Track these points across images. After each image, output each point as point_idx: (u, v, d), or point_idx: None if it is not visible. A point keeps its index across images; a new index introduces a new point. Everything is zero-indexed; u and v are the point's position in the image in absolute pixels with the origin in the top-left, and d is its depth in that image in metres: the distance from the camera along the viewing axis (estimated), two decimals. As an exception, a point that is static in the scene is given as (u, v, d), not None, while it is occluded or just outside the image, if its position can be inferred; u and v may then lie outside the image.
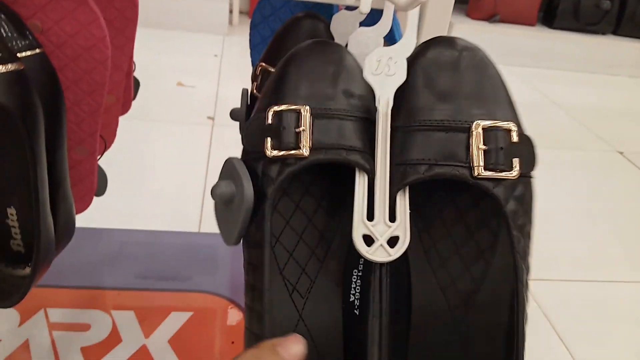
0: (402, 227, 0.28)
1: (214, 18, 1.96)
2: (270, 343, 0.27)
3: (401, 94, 0.30)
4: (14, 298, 0.42)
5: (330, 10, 0.51)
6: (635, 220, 1.21)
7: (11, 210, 0.43)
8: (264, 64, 0.47)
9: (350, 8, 0.46)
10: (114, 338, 0.59)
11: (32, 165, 0.41)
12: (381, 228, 0.28)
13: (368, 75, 0.30)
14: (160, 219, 0.94)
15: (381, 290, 0.28)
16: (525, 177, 0.29)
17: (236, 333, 0.61)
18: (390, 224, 0.28)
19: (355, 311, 0.32)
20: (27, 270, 0.45)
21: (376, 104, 0.30)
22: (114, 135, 0.62)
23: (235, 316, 0.65)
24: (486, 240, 0.32)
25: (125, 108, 0.66)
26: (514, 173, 0.28)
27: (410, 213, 0.31)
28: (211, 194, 0.30)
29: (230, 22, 2.06)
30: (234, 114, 0.49)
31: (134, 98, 0.69)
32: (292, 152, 0.28)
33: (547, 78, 2.08)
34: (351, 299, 0.32)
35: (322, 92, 0.30)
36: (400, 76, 0.30)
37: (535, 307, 0.89)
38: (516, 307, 0.28)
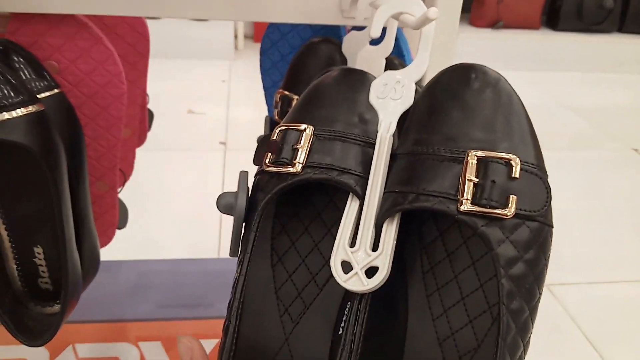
0: (383, 258, 0.26)
1: (220, 44, 1.99)
2: None
3: (405, 120, 0.29)
4: (46, 336, 0.43)
5: (338, 31, 0.52)
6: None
7: (38, 250, 0.44)
8: (282, 91, 0.47)
9: (358, 28, 0.46)
10: (142, 369, 0.60)
11: (57, 203, 0.41)
12: (361, 256, 0.26)
13: (373, 99, 0.30)
14: (180, 247, 0.95)
15: (355, 322, 0.26)
16: (531, 220, 0.25)
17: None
18: (371, 253, 0.26)
19: (339, 333, 0.30)
20: (56, 307, 0.45)
21: (378, 127, 0.29)
22: (132, 167, 0.63)
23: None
24: (495, 293, 0.28)
25: (141, 140, 0.67)
26: (508, 211, 0.24)
27: (417, 250, 0.30)
28: (217, 203, 0.30)
29: (236, 47, 2.09)
30: (260, 142, 0.50)
31: (148, 129, 0.70)
32: (285, 168, 0.29)
33: (555, 80, 2.08)
34: (340, 332, 0.30)
35: (332, 115, 0.30)
36: (407, 100, 0.29)
37: (562, 311, 0.88)
38: None
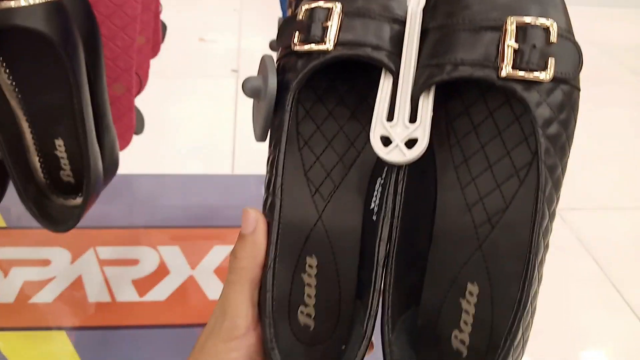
0: (422, 129, 0.26)
1: (231, -28, 1.93)
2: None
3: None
4: (70, 223, 0.44)
5: None
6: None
7: (59, 142, 0.45)
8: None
9: None
10: (162, 271, 0.62)
11: (76, 93, 0.42)
12: (400, 129, 0.27)
13: None
14: (196, 165, 0.96)
15: (395, 192, 0.28)
16: (565, 83, 0.26)
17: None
18: (409, 125, 0.27)
19: (373, 217, 0.31)
20: (78, 200, 0.47)
21: (407, 3, 0.29)
22: (147, 76, 0.64)
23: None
24: (522, 158, 0.29)
25: (155, 51, 0.67)
26: (546, 75, 0.25)
27: (443, 125, 0.31)
28: (242, 87, 0.30)
29: (247, -24, 2.04)
30: (272, 45, 0.50)
31: (162, 41, 0.70)
32: (316, 46, 0.28)
33: (577, 15, 2.01)
34: (371, 207, 0.31)
35: None
36: None
37: (570, 235, 0.89)
38: (533, 219, 0.26)
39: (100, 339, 0.54)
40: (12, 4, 0.38)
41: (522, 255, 0.26)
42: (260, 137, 0.31)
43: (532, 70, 0.25)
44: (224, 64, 1.38)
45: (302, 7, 0.30)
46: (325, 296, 0.31)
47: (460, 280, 0.30)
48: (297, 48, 0.29)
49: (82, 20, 0.45)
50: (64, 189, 0.47)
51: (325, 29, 0.28)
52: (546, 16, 0.26)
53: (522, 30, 0.26)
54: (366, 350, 0.27)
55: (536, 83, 0.25)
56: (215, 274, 0.62)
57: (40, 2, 0.39)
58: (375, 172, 0.32)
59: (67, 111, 0.44)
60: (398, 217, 0.28)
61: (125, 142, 0.56)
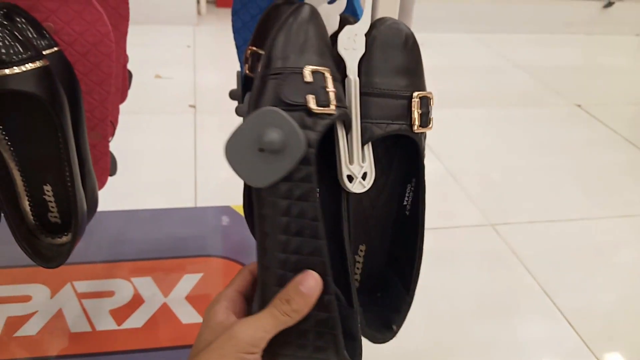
0: (370, 166, 0.38)
1: (183, 9, 2.01)
2: (293, 282, 0.33)
3: (360, 65, 0.39)
4: (60, 259, 0.50)
5: (302, -7, 0.58)
6: (592, 165, 1.32)
7: (47, 187, 0.51)
8: (253, 47, 0.54)
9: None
10: (137, 300, 0.67)
11: (64, 145, 0.48)
12: (357, 168, 0.37)
13: (341, 50, 0.38)
14: (158, 201, 1.01)
15: (348, 208, 0.39)
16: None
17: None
18: (362, 164, 0.38)
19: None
20: (64, 238, 0.52)
21: (347, 73, 0.38)
22: (117, 120, 0.69)
23: (240, 274, 0.73)
24: (387, 165, 0.43)
25: (123, 97, 0.73)
26: (430, 128, 0.40)
27: None
28: (262, 139, 0.32)
29: (199, 12, 2.11)
30: (232, 94, 0.57)
31: (128, 87, 0.76)
32: (327, 109, 0.34)
33: (506, 42, 2.18)
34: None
35: (326, 57, 0.37)
36: (362, 49, 0.39)
37: (505, 247, 0.99)
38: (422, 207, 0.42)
39: (84, 365, 0.59)
40: (7, 71, 0.44)
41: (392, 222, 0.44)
42: (267, 185, 0.33)
43: (425, 127, 0.40)
44: (181, 100, 1.45)
45: (307, 68, 0.35)
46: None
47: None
48: (316, 110, 0.34)
49: (66, 79, 0.51)
50: (52, 229, 0.52)
51: (328, 94, 0.35)
52: (426, 89, 0.41)
53: (422, 100, 0.39)
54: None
55: (424, 132, 0.40)
56: (187, 301, 0.68)
57: (31, 68, 0.45)
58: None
59: (55, 160, 0.50)
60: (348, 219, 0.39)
61: (101, 184, 0.62)
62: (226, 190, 1.07)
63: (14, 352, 0.59)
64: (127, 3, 0.64)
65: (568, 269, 0.96)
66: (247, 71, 0.56)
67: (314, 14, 0.38)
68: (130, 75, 0.77)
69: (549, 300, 0.88)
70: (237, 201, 0.95)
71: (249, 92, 0.56)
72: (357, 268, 0.47)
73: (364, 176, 0.38)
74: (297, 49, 0.36)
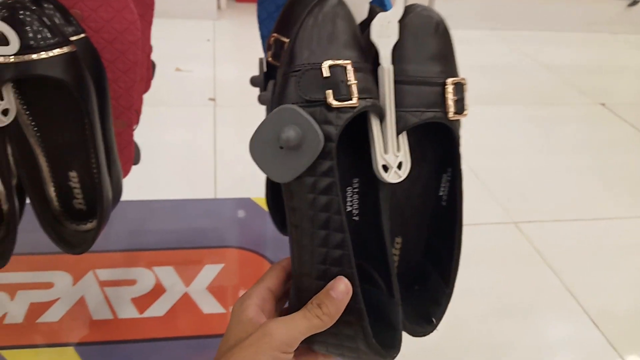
0: (405, 155, 0.38)
1: (203, 3, 2.01)
2: (325, 288, 0.34)
3: (394, 52, 0.38)
4: (85, 246, 0.50)
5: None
6: (616, 164, 1.30)
7: (72, 174, 0.51)
8: (276, 35, 0.54)
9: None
10: (158, 289, 0.67)
11: (90, 132, 0.48)
12: (392, 158, 0.37)
13: (374, 38, 0.37)
14: (177, 192, 1.02)
15: (386, 198, 0.38)
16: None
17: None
18: (397, 153, 0.37)
19: (354, 218, 0.41)
20: (89, 225, 0.52)
21: (380, 61, 0.37)
22: (141, 110, 0.69)
23: (260, 265, 0.73)
24: (421, 154, 0.43)
25: (147, 86, 0.73)
26: (466, 113, 0.39)
27: None
28: (280, 136, 0.34)
29: (219, 6, 2.11)
30: (253, 81, 0.56)
31: (152, 77, 0.76)
32: (348, 102, 0.34)
33: (528, 39, 2.15)
34: (348, 209, 0.41)
35: (352, 48, 0.36)
36: (395, 37, 0.38)
37: (528, 246, 0.98)
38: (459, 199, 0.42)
39: (106, 353, 0.59)
40: (34, 56, 0.44)
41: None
42: (289, 180, 0.35)
43: (461, 113, 0.39)
44: (201, 93, 1.45)
45: (325, 63, 0.35)
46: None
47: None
48: (335, 104, 0.34)
49: (92, 67, 0.51)
50: (77, 215, 0.52)
51: (349, 87, 0.35)
52: (460, 75, 0.40)
53: (457, 87, 0.38)
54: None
55: (459, 120, 0.40)
56: (208, 291, 0.68)
57: (58, 53, 0.45)
58: (343, 183, 0.40)
59: (80, 146, 0.50)
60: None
61: (125, 172, 0.62)
62: (245, 182, 1.07)
63: (37, 338, 0.60)
64: (152, -9, 0.64)
65: (592, 268, 0.94)
66: (270, 58, 0.55)
67: (340, 4, 0.38)
68: (153, 65, 0.77)
69: (574, 300, 0.87)
70: (256, 193, 0.95)
71: (271, 80, 0.56)
72: (394, 260, 0.46)
73: (399, 166, 0.37)
74: (319, 43, 0.36)
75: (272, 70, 0.55)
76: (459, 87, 0.39)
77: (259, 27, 0.63)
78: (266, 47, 0.56)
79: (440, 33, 0.39)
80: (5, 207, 0.50)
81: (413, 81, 0.38)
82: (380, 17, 0.37)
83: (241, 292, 0.66)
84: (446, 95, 0.38)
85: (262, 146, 0.35)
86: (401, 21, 0.38)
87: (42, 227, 0.49)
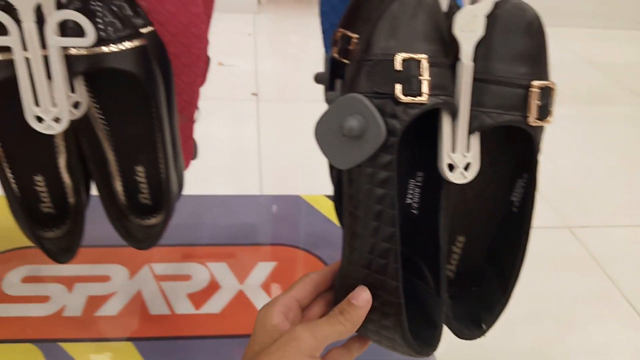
0: (474, 157, 0.36)
1: (244, -2, 2.01)
2: (347, 297, 0.36)
3: (478, 47, 0.36)
4: (150, 241, 0.49)
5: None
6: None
7: (139, 168, 0.50)
8: (343, 30, 0.52)
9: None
10: (213, 285, 0.67)
11: (159, 126, 0.47)
12: (459, 158, 0.36)
13: (457, 31, 0.35)
14: (223, 187, 1.02)
15: (447, 196, 0.38)
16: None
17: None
18: (466, 154, 0.36)
19: (413, 211, 0.41)
20: (153, 220, 0.52)
21: (460, 57, 0.35)
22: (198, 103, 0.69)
23: (312, 263, 0.72)
24: (497, 157, 0.41)
25: (203, 80, 0.73)
26: (549, 120, 0.37)
27: None
28: (343, 125, 0.34)
29: (259, 1, 2.11)
30: (318, 78, 0.55)
31: (207, 71, 0.76)
32: (417, 98, 0.33)
33: (575, 36, 2.09)
34: (407, 202, 0.41)
35: (432, 42, 0.35)
36: (480, 32, 0.36)
37: (583, 251, 0.94)
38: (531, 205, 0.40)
39: (164, 349, 0.59)
40: (105, 49, 0.44)
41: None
42: (348, 167, 0.35)
43: (544, 120, 0.36)
44: (244, 87, 1.44)
45: (398, 56, 0.34)
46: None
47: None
48: (403, 100, 0.33)
49: (159, 60, 0.50)
50: (142, 210, 0.52)
51: (420, 83, 0.34)
52: (548, 79, 0.37)
53: (543, 91, 0.36)
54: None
55: (541, 127, 0.37)
56: (263, 289, 0.67)
57: (130, 47, 0.45)
58: (405, 174, 0.40)
59: (148, 141, 0.49)
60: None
61: (185, 167, 0.61)
62: (290, 178, 1.07)
63: (95, 331, 0.60)
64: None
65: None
66: (336, 54, 0.54)
67: None
68: (208, 59, 0.77)
69: (630, 308, 0.83)
70: (303, 190, 0.94)
71: (339, 79, 0.55)
72: (454, 259, 0.45)
73: (467, 166, 0.36)
74: (396, 34, 0.35)
75: (338, 67, 0.53)
76: (546, 92, 0.36)
77: (320, 20, 0.62)
78: (331, 43, 0.54)
79: (534, 31, 0.37)
80: (72, 200, 0.50)
81: (495, 80, 0.36)
82: (465, 10, 0.35)
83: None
84: (529, 99, 0.35)
85: (326, 131, 0.35)
86: (490, 15, 0.36)
87: (110, 221, 0.49)
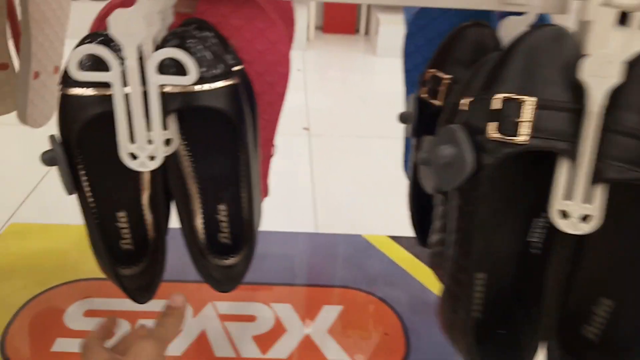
0: (598, 210, 0.34)
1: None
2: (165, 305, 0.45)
3: (615, 95, 0.33)
4: (229, 284, 0.48)
5: (487, 17, 0.55)
6: None
7: (222, 207, 0.49)
8: (433, 70, 0.51)
9: (511, 13, 0.49)
10: (279, 328, 0.65)
11: (245, 165, 0.46)
12: (576, 207, 0.34)
13: (585, 77, 0.33)
14: (277, 223, 1.00)
15: (564, 243, 0.37)
16: None
17: (386, 324, 0.65)
18: (584, 205, 0.34)
19: (532, 250, 0.41)
20: (231, 260, 0.50)
21: (587, 102, 0.33)
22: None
23: (378, 308, 0.69)
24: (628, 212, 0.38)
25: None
26: None
27: None
28: (434, 155, 0.36)
29: (308, 37, 2.14)
30: (403, 117, 0.53)
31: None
32: (511, 137, 0.33)
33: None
34: (533, 239, 0.41)
35: (545, 82, 0.34)
36: (614, 79, 0.33)
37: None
38: None
39: (231, 393, 0.57)
40: (197, 87, 0.43)
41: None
42: (430, 191, 0.38)
43: None
44: (296, 122, 1.45)
45: (496, 96, 0.34)
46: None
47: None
48: (494, 137, 0.34)
49: (248, 99, 0.50)
50: (220, 249, 0.50)
51: (517, 124, 0.33)
52: None
53: None
54: None
55: None
56: (329, 334, 0.64)
57: (223, 85, 0.44)
58: (530, 210, 0.40)
59: (233, 179, 0.48)
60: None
61: (259, 205, 0.60)
62: (345, 215, 1.05)
63: (162, 372, 0.58)
64: (292, 10, 0.62)
65: None
66: (425, 94, 0.52)
67: (556, 37, 0.35)
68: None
69: None
70: (357, 228, 0.92)
71: (427, 135, 0.53)
72: (597, 322, 0.42)
73: (585, 218, 0.34)
74: (507, 73, 0.35)
75: (426, 107, 0.52)
76: None
77: (403, 60, 0.61)
78: (419, 83, 0.53)
79: None
80: (151, 235, 0.49)
81: (627, 132, 0.34)
82: (599, 55, 0.33)
83: (362, 339, 0.63)
84: None
85: (427, 155, 0.38)
86: (633, 62, 0.34)
87: (192, 260, 0.48)
